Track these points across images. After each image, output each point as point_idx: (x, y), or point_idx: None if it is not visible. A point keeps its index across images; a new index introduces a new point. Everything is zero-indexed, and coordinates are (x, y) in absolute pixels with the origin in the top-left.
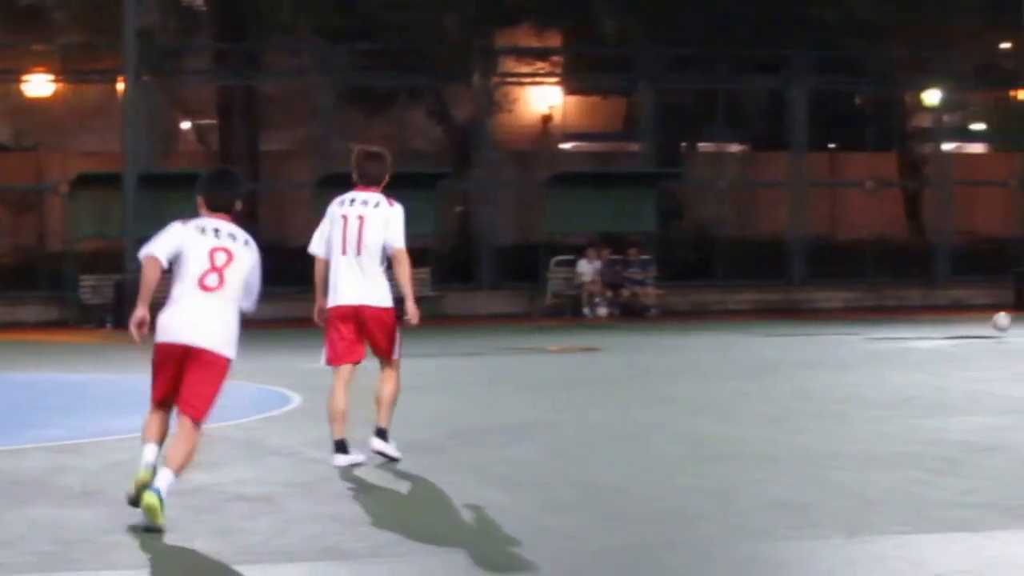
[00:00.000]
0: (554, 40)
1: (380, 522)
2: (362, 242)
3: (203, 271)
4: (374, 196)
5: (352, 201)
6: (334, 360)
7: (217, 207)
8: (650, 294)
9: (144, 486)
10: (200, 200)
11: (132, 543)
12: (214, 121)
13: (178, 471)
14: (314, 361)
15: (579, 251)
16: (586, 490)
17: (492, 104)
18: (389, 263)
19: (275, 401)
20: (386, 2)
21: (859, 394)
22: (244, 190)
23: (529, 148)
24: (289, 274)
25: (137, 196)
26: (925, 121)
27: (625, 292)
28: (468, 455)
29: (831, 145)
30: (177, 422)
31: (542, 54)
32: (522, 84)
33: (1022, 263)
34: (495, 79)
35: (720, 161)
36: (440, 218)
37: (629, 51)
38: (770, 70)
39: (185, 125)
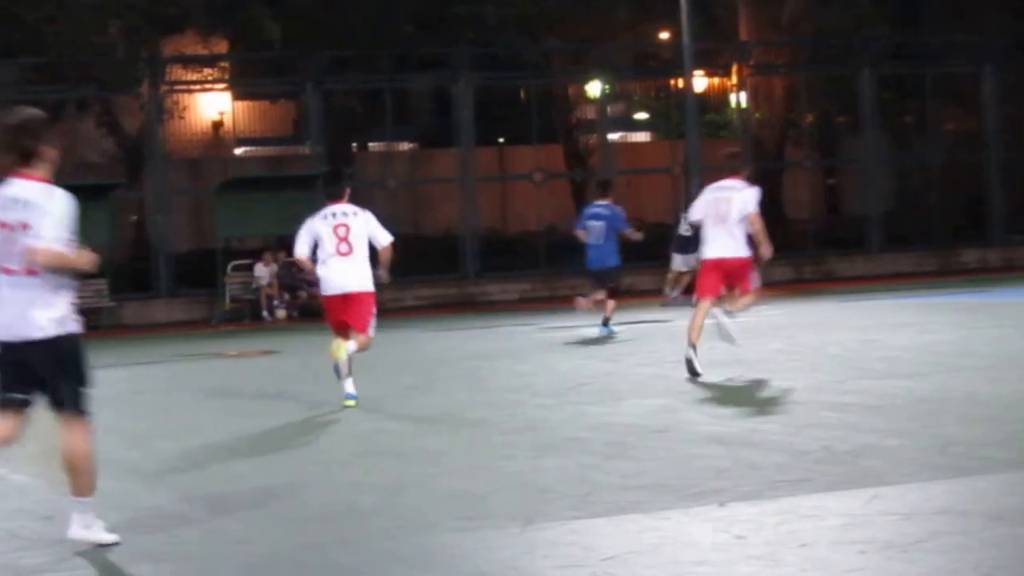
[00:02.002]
0: (221, 46)
1: (42, 535)
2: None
3: (335, 243)
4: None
5: None
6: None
7: (332, 196)
8: None
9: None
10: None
11: None
12: None
13: (359, 348)
14: None
15: (255, 255)
16: (259, 492)
17: (162, 113)
18: None
19: None
20: (49, 15)
21: (531, 383)
22: (347, 182)
23: (202, 155)
24: None
25: None
26: (589, 112)
27: (303, 294)
28: (140, 463)
29: (499, 139)
30: (354, 336)
31: (209, 61)
32: (191, 92)
33: None
34: (164, 87)
35: (390, 160)
36: (117, 228)
37: (294, 54)
38: (435, 68)
39: None
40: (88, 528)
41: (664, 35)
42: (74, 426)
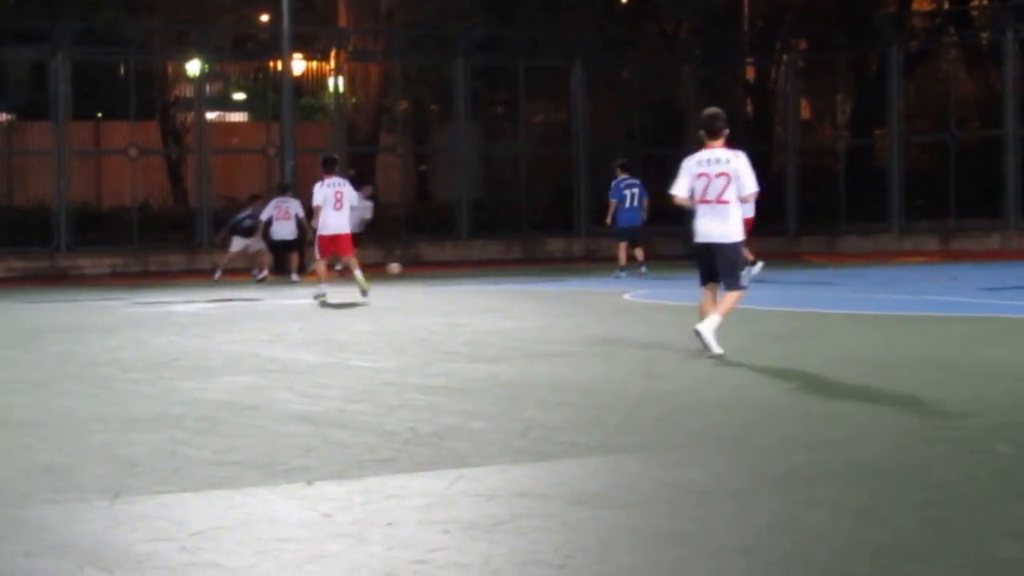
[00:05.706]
0: None
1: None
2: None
3: (333, 202)
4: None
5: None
6: None
7: (330, 172)
8: None
9: None
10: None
11: None
12: None
13: (356, 267)
14: None
15: None
16: None
17: None
18: None
19: None
20: None
21: (121, 358)
22: (337, 164)
23: None
24: None
25: None
26: (187, 91)
27: None
28: None
29: (96, 114)
30: (344, 260)
31: None
32: None
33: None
34: None
35: None
36: None
37: None
38: (34, 40)
39: None
40: (712, 333)
41: (264, 17)
42: (733, 295)
